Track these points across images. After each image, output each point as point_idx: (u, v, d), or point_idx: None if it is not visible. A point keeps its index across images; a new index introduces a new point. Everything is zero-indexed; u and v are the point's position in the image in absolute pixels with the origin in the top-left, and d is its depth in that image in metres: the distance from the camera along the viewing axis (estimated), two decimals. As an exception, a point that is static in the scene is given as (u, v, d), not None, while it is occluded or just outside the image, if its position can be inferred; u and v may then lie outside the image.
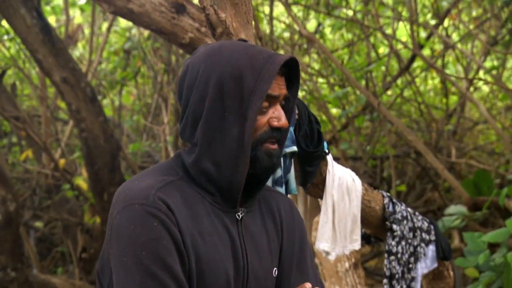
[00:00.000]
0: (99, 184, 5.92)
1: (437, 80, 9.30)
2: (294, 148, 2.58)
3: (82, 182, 6.68)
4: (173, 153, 6.00)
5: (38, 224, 7.88)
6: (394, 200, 3.13)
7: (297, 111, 2.62)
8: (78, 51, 9.99)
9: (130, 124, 9.33)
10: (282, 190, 2.53)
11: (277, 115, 1.82)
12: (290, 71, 1.89)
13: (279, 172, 2.50)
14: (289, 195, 2.68)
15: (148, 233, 1.69)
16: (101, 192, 5.96)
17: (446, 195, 7.96)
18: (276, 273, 1.94)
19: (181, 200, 1.78)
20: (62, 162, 6.96)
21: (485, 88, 9.44)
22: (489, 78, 7.62)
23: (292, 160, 2.63)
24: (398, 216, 3.09)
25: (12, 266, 6.11)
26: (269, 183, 2.40)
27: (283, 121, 1.82)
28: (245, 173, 1.79)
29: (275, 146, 1.84)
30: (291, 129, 2.57)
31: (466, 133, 8.92)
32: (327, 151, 2.80)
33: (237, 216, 1.87)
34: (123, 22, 8.74)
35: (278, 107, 1.83)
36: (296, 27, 7.51)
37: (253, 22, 3.71)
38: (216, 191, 1.83)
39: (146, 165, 8.25)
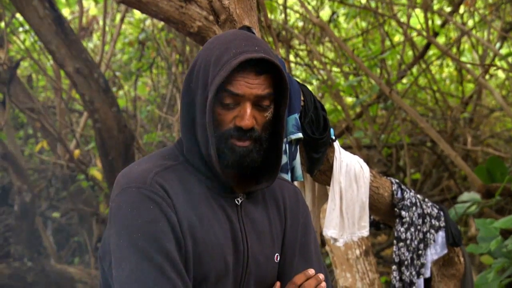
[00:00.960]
0: (113, 174, 5.95)
1: (452, 68, 9.23)
2: (300, 135, 2.57)
3: (97, 172, 6.73)
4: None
5: (55, 214, 7.95)
6: (403, 187, 3.12)
7: (302, 98, 2.61)
8: (93, 43, 10.02)
9: (145, 115, 9.36)
10: (287, 177, 2.53)
11: (241, 114, 1.77)
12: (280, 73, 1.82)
13: (284, 159, 2.49)
14: (296, 182, 2.68)
15: (144, 215, 1.72)
16: (116, 182, 5.98)
17: (462, 183, 7.90)
18: (278, 258, 1.95)
19: (179, 184, 1.80)
20: (77, 152, 7.02)
21: (502, 75, 9.33)
22: (505, 65, 7.53)
23: (298, 147, 2.62)
24: (407, 202, 3.08)
25: (29, 256, 6.19)
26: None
27: (245, 121, 1.76)
28: (217, 162, 1.79)
29: (243, 143, 1.79)
30: (296, 115, 2.56)
31: (483, 121, 8.84)
32: (333, 137, 2.79)
33: (236, 201, 1.88)
34: (137, 13, 8.75)
35: (246, 106, 1.78)
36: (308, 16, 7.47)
37: (261, 11, 3.70)
38: (213, 175, 1.84)
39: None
